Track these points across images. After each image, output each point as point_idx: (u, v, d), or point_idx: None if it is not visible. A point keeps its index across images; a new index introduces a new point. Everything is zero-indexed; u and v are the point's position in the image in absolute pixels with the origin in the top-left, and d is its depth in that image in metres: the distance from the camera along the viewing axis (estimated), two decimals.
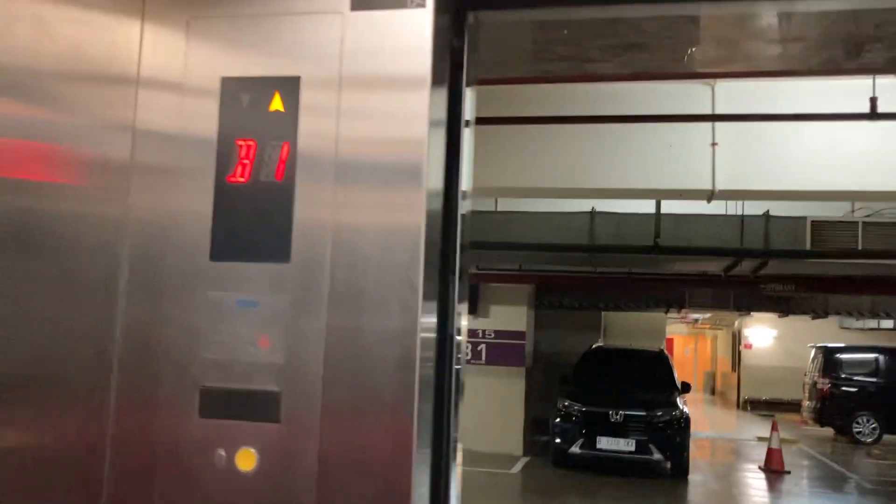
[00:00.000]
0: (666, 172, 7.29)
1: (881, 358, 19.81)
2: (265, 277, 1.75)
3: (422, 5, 1.74)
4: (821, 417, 20.07)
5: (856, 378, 19.68)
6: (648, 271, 12.99)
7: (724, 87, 6.83)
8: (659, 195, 8.44)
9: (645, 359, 15.98)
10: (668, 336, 23.94)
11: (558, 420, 14.32)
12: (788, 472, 14.94)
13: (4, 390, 1.79)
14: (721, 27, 2.67)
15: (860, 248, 8.97)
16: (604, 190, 7.67)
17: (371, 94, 1.75)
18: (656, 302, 17.22)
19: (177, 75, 1.84)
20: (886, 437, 19.27)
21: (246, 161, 1.78)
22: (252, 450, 1.71)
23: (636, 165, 7.30)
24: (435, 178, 1.79)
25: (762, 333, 27.12)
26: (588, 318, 18.65)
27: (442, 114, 1.85)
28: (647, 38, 2.58)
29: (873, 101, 4.93)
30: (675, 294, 16.39)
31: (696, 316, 28.23)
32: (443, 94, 1.85)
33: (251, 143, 1.79)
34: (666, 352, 16.89)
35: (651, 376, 15.38)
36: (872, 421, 19.24)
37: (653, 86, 6.56)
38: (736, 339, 28.78)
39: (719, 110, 6.82)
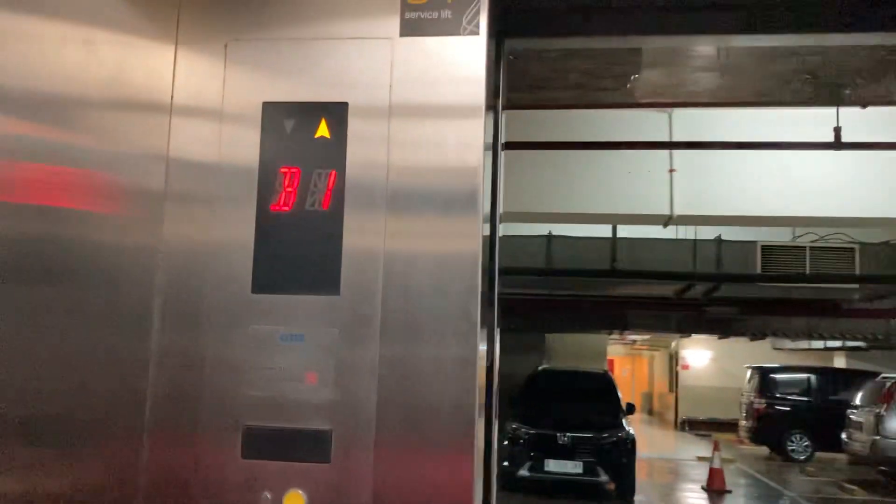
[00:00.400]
0: (625, 198, 7.41)
1: (813, 378, 20.44)
2: (312, 310, 1.68)
3: (475, 33, 1.71)
4: (757, 436, 20.52)
5: (790, 397, 20.24)
6: (596, 294, 13.17)
7: (681, 114, 7.00)
8: (618, 220, 8.58)
9: (591, 380, 16.10)
10: (607, 357, 24.26)
11: (506, 443, 14.28)
12: (730, 492, 15.20)
13: (25, 430, 1.67)
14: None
15: (808, 272, 9.29)
16: (564, 214, 7.75)
17: (423, 121, 1.71)
18: (601, 324, 17.43)
19: (214, 101, 1.76)
20: (818, 454, 19.81)
21: (290, 189, 1.72)
22: (301, 492, 1.63)
23: (597, 191, 7.40)
24: (486, 204, 1.76)
25: (699, 354, 27.70)
26: (533, 340, 18.74)
27: (489, 139, 1.83)
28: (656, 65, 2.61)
29: (837, 130, 5.11)
30: (619, 316, 16.63)
31: (634, 337, 28.70)
32: (490, 121, 1.83)
33: (295, 170, 1.72)
34: (610, 373, 17.08)
35: (597, 398, 15.50)
36: (805, 439, 19.77)
37: (613, 113, 6.67)
38: (673, 359, 29.34)
39: (676, 137, 6.98)
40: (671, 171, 7.29)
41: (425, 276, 1.66)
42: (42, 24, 1.49)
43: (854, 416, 16.57)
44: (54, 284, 1.62)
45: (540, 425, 14.04)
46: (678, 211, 7.35)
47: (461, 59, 1.71)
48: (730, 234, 9.75)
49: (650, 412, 33.77)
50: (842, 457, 18.58)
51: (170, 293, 1.72)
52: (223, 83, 1.76)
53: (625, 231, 9.70)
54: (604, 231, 9.70)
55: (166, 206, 1.75)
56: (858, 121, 5.39)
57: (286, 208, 1.71)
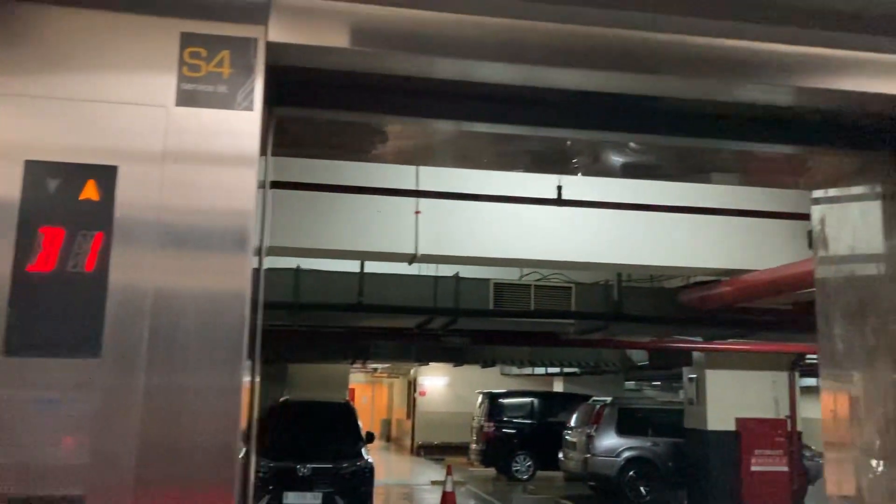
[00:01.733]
0: (374, 236, 7.70)
1: (535, 401, 22.17)
2: (70, 374, 1.66)
3: (249, 108, 1.81)
4: (485, 458, 21.77)
5: (515, 420, 21.76)
6: (342, 325, 13.38)
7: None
8: (366, 257, 8.85)
9: (332, 411, 16.23)
10: (349, 385, 24.55)
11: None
12: None
13: None
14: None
15: (532, 307, 10.26)
16: (313, 250, 7.88)
17: (196, 185, 1.77)
18: (344, 354, 17.66)
19: None
20: (539, 473, 21.45)
21: (51, 250, 1.69)
22: None
23: (346, 228, 7.62)
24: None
25: (435, 381, 28.92)
26: (275, 370, 18.54)
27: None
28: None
29: (559, 189, 5.80)
30: (362, 346, 16.97)
31: (375, 365, 29.30)
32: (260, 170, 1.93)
33: (58, 231, 1.70)
34: (352, 403, 17.34)
35: (338, 428, 15.66)
36: (528, 459, 21.30)
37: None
38: (411, 386, 30.35)
39: (422, 184, 7.41)
40: (417, 212, 7.72)
41: (193, 334, 1.71)
42: None
43: (569, 436, 18.17)
44: None
45: (280, 458, 13.89)
46: (422, 250, 7.78)
47: (235, 131, 1.80)
48: (467, 271, 10.49)
49: (388, 438, 34.54)
50: (559, 474, 20.26)
51: None
52: None
53: (373, 266, 10.05)
54: (352, 265, 9.98)
55: None
56: (579, 179, 6.16)
57: (46, 269, 1.68)
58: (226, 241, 1.75)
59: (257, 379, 2.03)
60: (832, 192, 3.01)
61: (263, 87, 1.83)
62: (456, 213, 7.86)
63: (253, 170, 1.79)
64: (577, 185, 6.11)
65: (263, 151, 2.04)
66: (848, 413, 3.02)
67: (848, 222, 2.87)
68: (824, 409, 3.23)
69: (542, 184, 5.90)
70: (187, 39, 1.78)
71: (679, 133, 2.62)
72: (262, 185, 2.04)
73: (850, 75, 2.30)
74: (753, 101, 2.47)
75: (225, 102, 1.79)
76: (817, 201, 3.15)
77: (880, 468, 2.82)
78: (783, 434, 14.10)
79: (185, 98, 1.78)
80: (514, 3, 1.96)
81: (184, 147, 1.77)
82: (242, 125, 1.79)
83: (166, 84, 1.78)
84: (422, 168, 7.30)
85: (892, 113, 2.38)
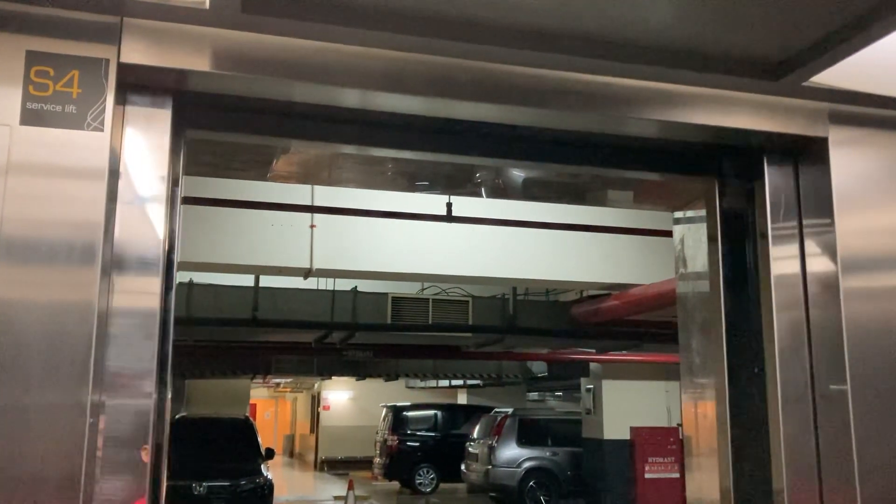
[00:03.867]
0: (267, 250, 7.62)
1: (439, 414, 22.24)
2: None
3: (99, 129, 1.80)
4: (389, 472, 21.69)
5: (419, 433, 21.77)
6: (239, 340, 13.14)
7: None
8: (260, 271, 8.74)
9: (230, 427, 15.91)
10: (251, 401, 24.07)
11: None
12: None
13: None
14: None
15: (430, 321, 10.36)
16: (205, 264, 7.73)
17: (42, 197, 1.74)
18: (244, 369, 17.33)
19: None
20: (443, 485, 21.52)
21: None
22: None
23: (239, 242, 7.52)
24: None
25: (339, 395, 28.66)
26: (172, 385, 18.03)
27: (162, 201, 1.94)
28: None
29: (449, 206, 5.91)
30: (262, 361, 16.72)
31: (278, 380, 28.81)
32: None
33: None
34: (251, 419, 17.03)
35: (236, 445, 15.36)
36: (432, 472, 21.33)
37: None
38: (315, 401, 29.96)
39: (318, 200, 7.39)
40: (312, 226, 7.69)
41: (38, 344, 1.68)
42: None
43: (471, 448, 18.31)
44: None
45: (175, 477, 13.49)
46: (317, 265, 7.74)
47: (84, 149, 1.78)
48: (365, 285, 10.51)
49: (292, 454, 33.98)
50: (462, 486, 20.38)
51: None
52: None
53: (268, 280, 9.93)
54: (247, 280, 9.84)
55: None
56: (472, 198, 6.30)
57: None
58: (73, 255, 1.74)
59: (168, 395, 2.01)
60: (689, 213, 3.20)
61: (116, 106, 1.83)
62: (352, 227, 7.87)
63: (102, 185, 1.78)
64: (469, 202, 6.24)
65: (177, 159, 2.05)
66: (704, 421, 3.20)
67: (701, 242, 3.06)
68: (685, 417, 3.41)
69: (435, 200, 6.00)
70: (34, 58, 1.76)
71: (567, 161, 2.74)
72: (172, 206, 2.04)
73: (688, 108, 2.48)
74: (628, 133, 2.62)
75: (74, 122, 1.78)
76: (678, 221, 3.34)
77: (731, 472, 3.00)
78: (675, 442, 14.59)
79: (31, 117, 1.76)
80: (364, 33, 2.02)
81: (29, 163, 1.74)
82: (92, 144, 1.78)
83: (10, 102, 1.75)
84: (318, 186, 7.28)
85: (718, 141, 2.60)
